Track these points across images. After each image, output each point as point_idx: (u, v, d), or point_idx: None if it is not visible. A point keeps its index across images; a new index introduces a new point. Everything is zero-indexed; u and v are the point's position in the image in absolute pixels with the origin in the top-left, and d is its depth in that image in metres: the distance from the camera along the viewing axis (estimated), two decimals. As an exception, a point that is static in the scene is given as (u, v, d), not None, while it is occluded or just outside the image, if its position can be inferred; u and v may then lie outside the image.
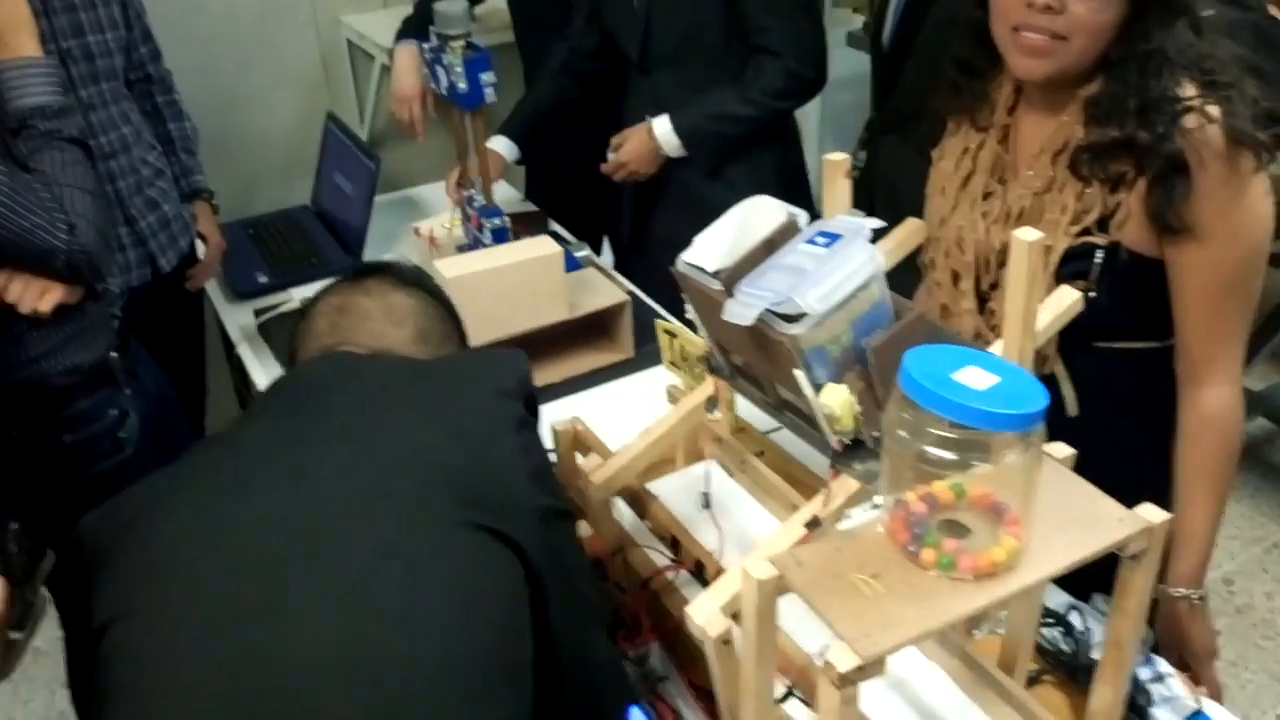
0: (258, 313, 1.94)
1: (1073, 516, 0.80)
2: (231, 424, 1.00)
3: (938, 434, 0.74)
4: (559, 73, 2.14)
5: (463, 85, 1.61)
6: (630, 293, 1.77)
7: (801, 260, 0.92)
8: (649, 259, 2.12)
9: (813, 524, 0.99)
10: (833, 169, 1.13)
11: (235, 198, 2.17)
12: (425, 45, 1.68)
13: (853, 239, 0.91)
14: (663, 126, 1.94)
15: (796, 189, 2.16)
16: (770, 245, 0.97)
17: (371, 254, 2.15)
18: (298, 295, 1.98)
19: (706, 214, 2.00)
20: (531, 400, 0.99)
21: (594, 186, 2.35)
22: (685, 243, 2.04)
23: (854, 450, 0.99)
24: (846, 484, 0.99)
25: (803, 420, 1.03)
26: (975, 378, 0.75)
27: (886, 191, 1.85)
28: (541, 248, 1.61)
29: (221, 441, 0.96)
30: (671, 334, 1.33)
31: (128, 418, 1.53)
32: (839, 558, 0.80)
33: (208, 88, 2.15)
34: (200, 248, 2.03)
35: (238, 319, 1.99)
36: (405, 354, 1.03)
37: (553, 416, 1.59)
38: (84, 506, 0.92)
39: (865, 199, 1.95)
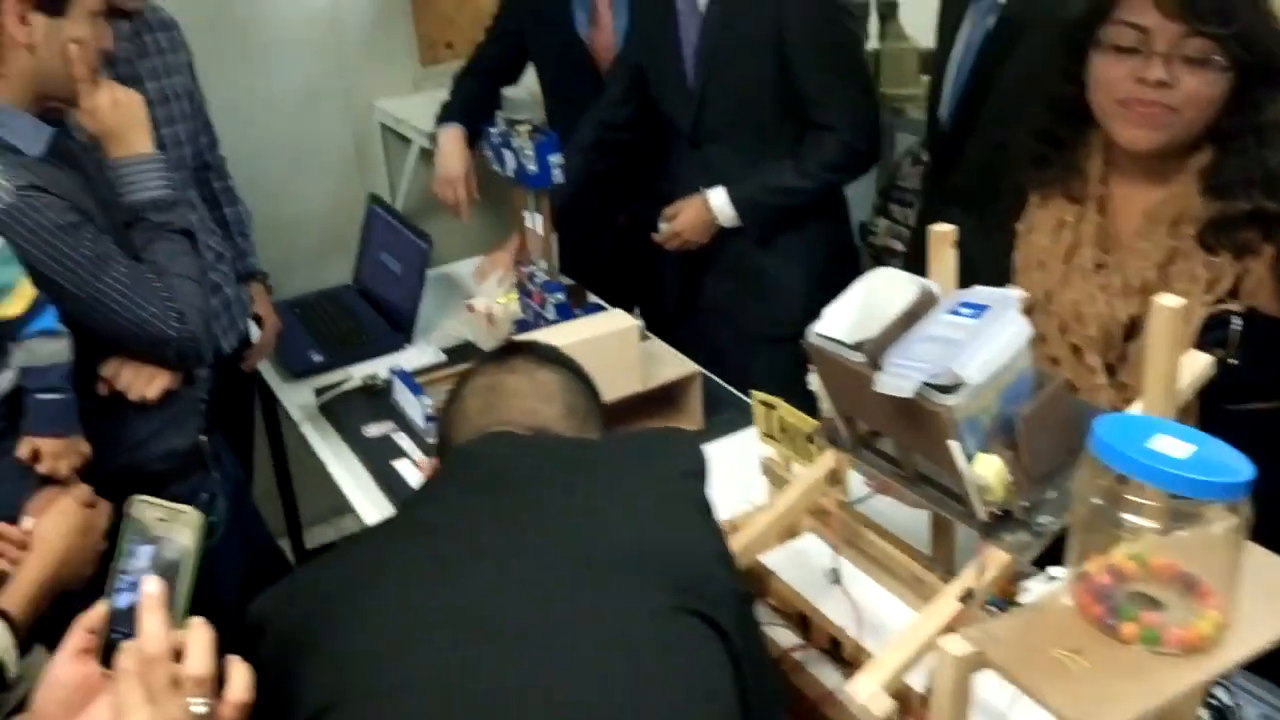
0: (318, 391, 1.90)
1: (1269, 587, 0.77)
2: (408, 506, 0.98)
3: (1142, 503, 0.71)
4: (590, 147, 2.14)
5: (533, 167, 1.61)
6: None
7: (950, 331, 0.90)
8: (696, 328, 2.11)
9: (966, 597, 0.96)
10: (939, 240, 1.12)
11: (273, 279, 2.15)
12: (492, 130, 1.68)
13: (1002, 309, 0.89)
14: (719, 198, 1.94)
15: (846, 259, 2.16)
16: (911, 317, 0.95)
17: (421, 331, 2.12)
18: (356, 373, 1.95)
19: (757, 283, 2.03)
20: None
21: (628, 257, 2.35)
22: (735, 311, 2.05)
23: (1003, 522, 0.97)
24: (997, 556, 0.96)
25: (942, 493, 1.00)
26: (1172, 446, 0.73)
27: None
28: (616, 321, 1.59)
29: (410, 524, 0.93)
30: (770, 406, 1.30)
31: (216, 500, 1.52)
32: (1032, 632, 0.77)
33: (247, 172, 2.14)
34: (253, 329, 2.00)
35: (296, 398, 1.95)
36: (557, 431, 1.01)
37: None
38: None
39: (919, 269, 1.94)
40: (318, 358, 2.06)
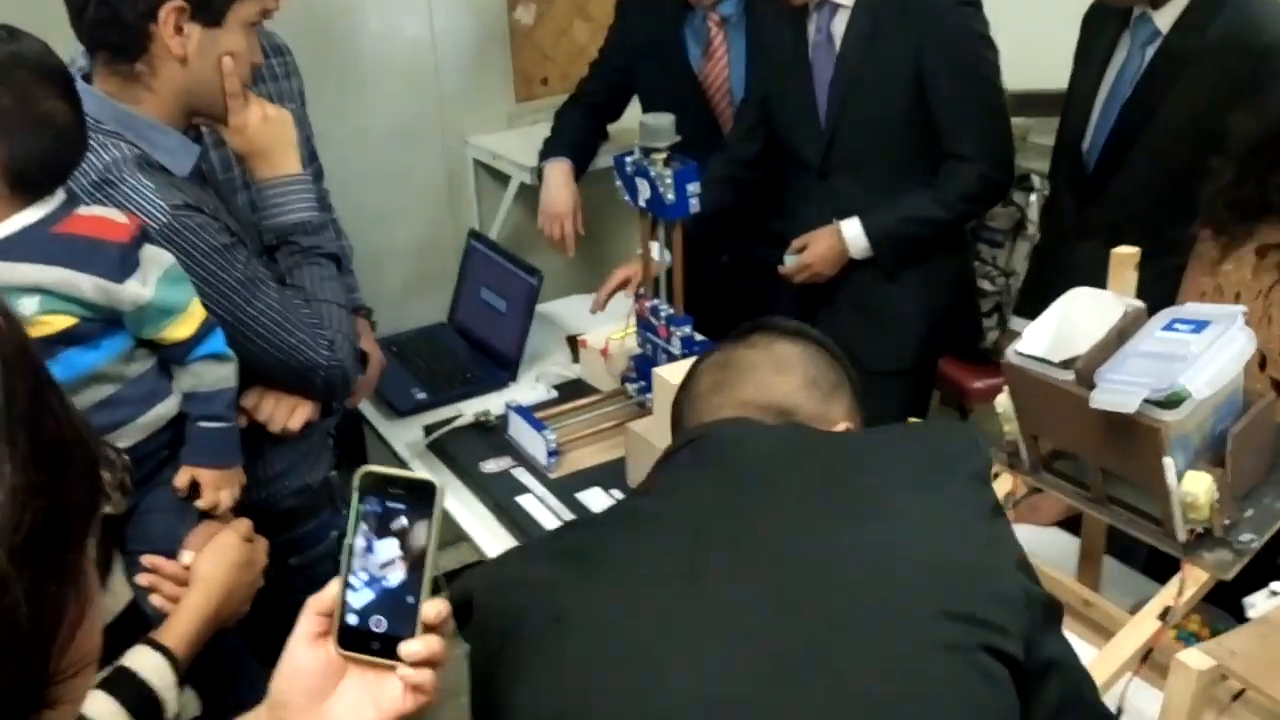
0: (428, 429, 1.97)
1: None
2: (638, 495, 0.95)
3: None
4: (719, 182, 2.20)
5: (671, 196, 1.68)
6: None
7: (1168, 347, 0.94)
8: None
9: (1164, 615, 1.00)
10: (1122, 261, 1.18)
11: (366, 315, 2.24)
12: (626, 159, 1.76)
13: (1226, 324, 0.94)
14: (853, 229, 2.00)
15: (967, 293, 2.22)
16: (1121, 334, 1.00)
17: (525, 368, 2.19)
18: (466, 410, 2.02)
19: (878, 316, 2.08)
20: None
21: (733, 295, 2.41)
22: (852, 344, 2.08)
23: (1203, 540, 1.00)
24: (1197, 574, 0.99)
25: (1133, 513, 1.04)
26: None
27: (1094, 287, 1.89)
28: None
29: (640, 516, 0.91)
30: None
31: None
32: (1271, 645, 0.81)
33: (337, 205, 2.24)
34: (355, 365, 2.08)
35: (403, 436, 2.02)
36: (795, 403, 0.98)
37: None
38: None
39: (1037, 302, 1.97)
40: (422, 395, 2.13)
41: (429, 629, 0.73)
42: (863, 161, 2.04)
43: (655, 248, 2.13)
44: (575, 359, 2.19)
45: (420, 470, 1.90)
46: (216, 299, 1.35)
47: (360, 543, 0.75)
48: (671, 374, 1.57)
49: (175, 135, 1.38)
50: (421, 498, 0.75)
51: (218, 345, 1.29)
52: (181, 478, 1.29)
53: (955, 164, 1.94)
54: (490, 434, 1.94)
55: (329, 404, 1.53)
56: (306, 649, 0.75)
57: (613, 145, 2.59)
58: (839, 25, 1.99)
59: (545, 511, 1.69)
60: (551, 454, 1.78)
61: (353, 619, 0.76)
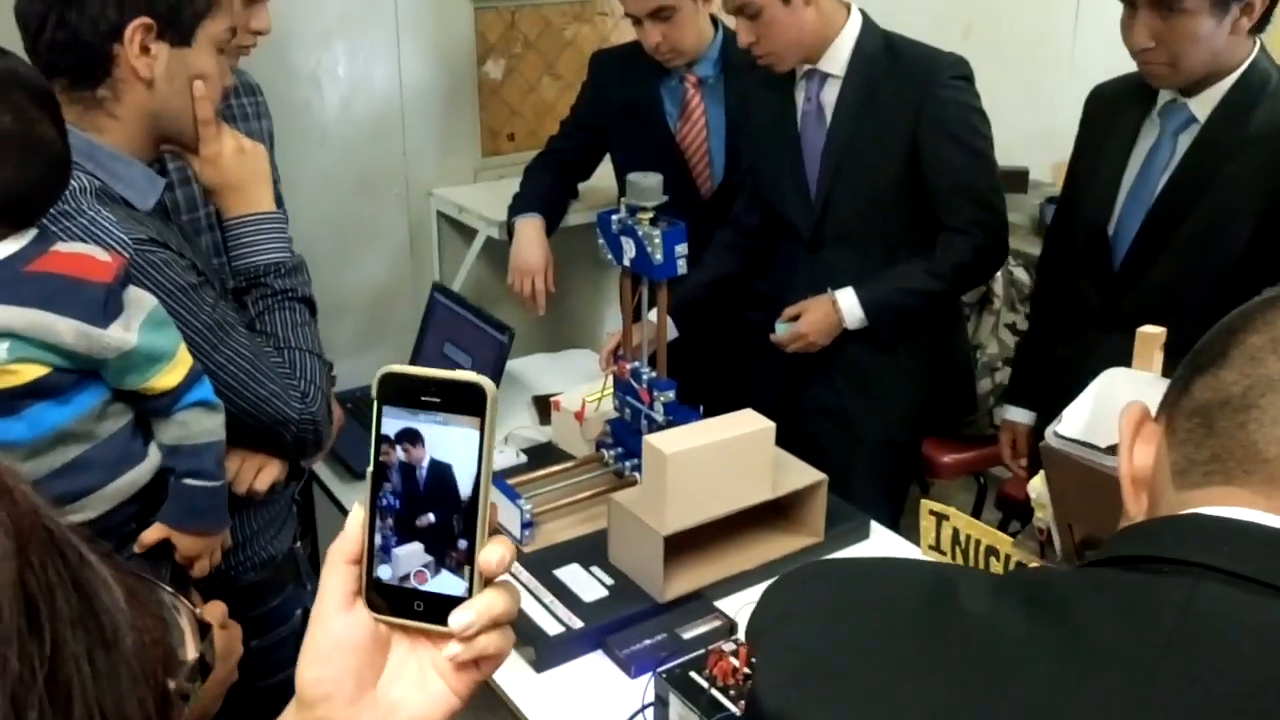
0: (389, 493, 1.84)
1: None
2: (979, 607, 0.61)
3: None
4: (729, 249, 2.17)
5: (659, 257, 1.61)
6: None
7: (1228, 434, 0.89)
8: (793, 430, 2.08)
9: None
10: (1147, 342, 1.13)
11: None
12: (612, 217, 1.69)
13: None
14: (848, 299, 1.96)
15: (964, 367, 2.19)
16: (1171, 419, 0.94)
17: (491, 431, 2.09)
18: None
19: (873, 388, 2.03)
20: None
21: (718, 360, 2.35)
22: (843, 414, 2.04)
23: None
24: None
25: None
26: None
27: None
28: (748, 422, 1.57)
29: (996, 645, 0.59)
30: (941, 516, 1.28)
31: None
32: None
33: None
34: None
35: (358, 499, 1.89)
36: None
37: (748, 608, 1.52)
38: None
39: (1060, 394, 1.92)
40: (382, 456, 2.01)
41: (487, 582, 0.58)
42: (854, 233, 2.00)
43: (656, 314, 2.07)
44: (544, 421, 2.09)
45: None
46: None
47: (390, 471, 0.59)
48: (664, 442, 1.49)
49: (139, 167, 1.28)
50: (466, 404, 0.58)
51: (206, 392, 1.18)
52: (151, 534, 1.15)
53: (950, 236, 1.92)
54: (457, 501, 1.82)
55: (297, 465, 1.41)
56: (343, 615, 0.58)
57: (582, 204, 2.53)
58: (830, 94, 1.96)
59: (520, 590, 1.57)
60: (526, 525, 1.67)
61: (385, 571, 0.59)
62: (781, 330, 2.01)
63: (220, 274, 1.72)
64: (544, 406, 2.08)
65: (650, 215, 1.65)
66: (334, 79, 2.53)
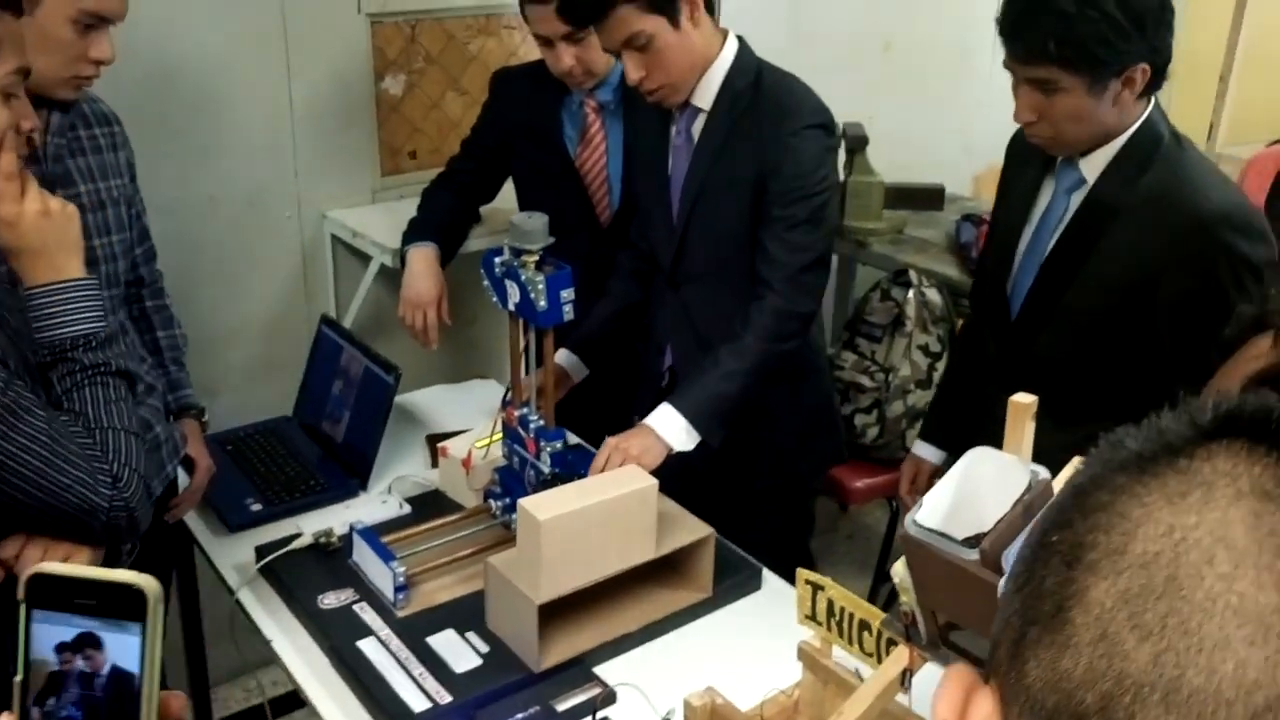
0: (260, 551, 1.77)
1: None
2: None
3: None
4: (631, 275, 2.12)
5: (543, 303, 1.56)
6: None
7: (1084, 530, 0.86)
8: (670, 470, 2.03)
9: None
10: (1020, 412, 1.10)
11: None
12: (495, 259, 1.63)
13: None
14: (665, 417, 1.80)
15: (828, 414, 2.16)
16: (1027, 509, 0.91)
17: (378, 473, 2.03)
18: (306, 527, 1.83)
19: (746, 439, 1.97)
20: None
21: (598, 397, 2.29)
22: (727, 465, 1.98)
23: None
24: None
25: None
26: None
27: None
28: (633, 479, 1.53)
29: None
30: (817, 586, 1.25)
31: None
32: None
33: (176, 282, 2.05)
34: (180, 473, 1.88)
35: (232, 557, 1.82)
36: None
37: (631, 672, 1.48)
38: None
39: (962, 445, 1.90)
40: (257, 507, 1.94)
41: None
42: (708, 274, 1.95)
43: (562, 354, 2.02)
44: (435, 464, 2.03)
45: (249, 601, 1.72)
46: None
47: (57, 681, 0.55)
48: (538, 507, 1.44)
49: None
50: (126, 608, 0.54)
51: None
52: None
53: (758, 301, 1.83)
54: (332, 559, 1.75)
55: (115, 550, 1.34)
56: None
57: (485, 229, 2.48)
58: (698, 128, 1.91)
59: (388, 659, 1.51)
60: (400, 589, 1.61)
61: None
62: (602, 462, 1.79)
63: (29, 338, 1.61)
64: (437, 448, 2.02)
65: (535, 258, 1.61)
66: (216, 94, 2.43)
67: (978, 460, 0.99)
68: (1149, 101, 1.61)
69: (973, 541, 0.91)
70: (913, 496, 2.05)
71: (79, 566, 0.55)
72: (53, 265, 1.25)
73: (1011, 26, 1.55)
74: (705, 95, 1.87)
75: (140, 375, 1.75)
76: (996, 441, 1.77)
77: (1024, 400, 1.09)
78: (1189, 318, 1.57)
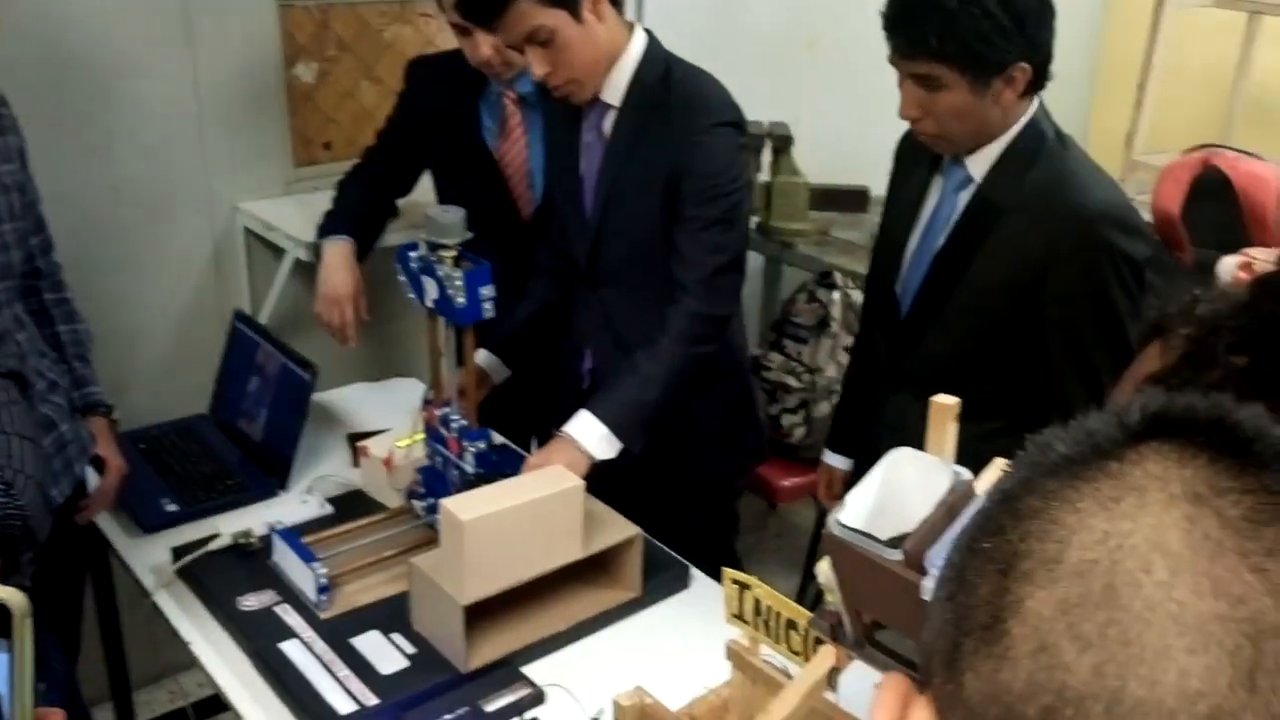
0: (176, 552, 1.73)
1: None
2: None
3: None
4: (551, 273, 2.09)
5: (461, 299, 1.55)
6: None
7: (1002, 531, 0.89)
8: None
9: None
10: (942, 413, 1.13)
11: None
12: (411, 254, 1.61)
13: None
14: (584, 424, 1.77)
15: (748, 415, 2.16)
16: (949, 510, 0.94)
17: (298, 472, 2.00)
18: (224, 528, 1.79)
19: (668, 438, 1.96)
20: None
21: (522, 388, 2.29)
22: (650, 463, 1.97)
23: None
24: None
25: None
26: None
27: (903, 444, 1.81)
28: (558, 480, 1.53)
29: None
30: (744, 585, 1.27)
31: None
32: None
33: (81, 275, 1.98)
34: (90, 474, 1.83)
35: (147, 558, 1.78)
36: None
37: (559, 672, 1.49)
38: None
39: (865, 448, 1.93)
40: (173, 507, 1.89)
41: None
42: (625, 274, 1.93)
43: (483, 355, 1.98)
44: (357, 463, 2.01)
45: (167, 604, 1.68)
46: None
47: None
48: (461, 508, 1.43)
49: None
50: None
51: None
52: None
53: (674, 305, 1.82)
54: (251, 560, 1.72)
55: (16, 559, 1.30)
56: None
57: (402, 222, 2.44)
58: (609, 125, 1.88)
59: (312, 661, 1.49)
60: (322, 590, 1.59)
61: None
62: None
63: None
64: (358, 447, 1.99)
65: (454, 254, 1.59)
66: (117, 80, 2.35)
67: (900, 461, 1.02)
68: (1032, 101, 1.64)
69: (896, 542, 0.93)
70: (831, 502, 2.08)
71: None
72: None
73: (894, 21, 1.57)
74: (614, 91, 1.84)
75: (42, 372, 1.70)
76: (892, 441, 1.81)
77: (946, 401, 1.11)
78: (1073, 313, 1.63)
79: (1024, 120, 1.63)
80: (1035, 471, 0.47)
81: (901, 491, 0.99)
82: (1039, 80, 1.60)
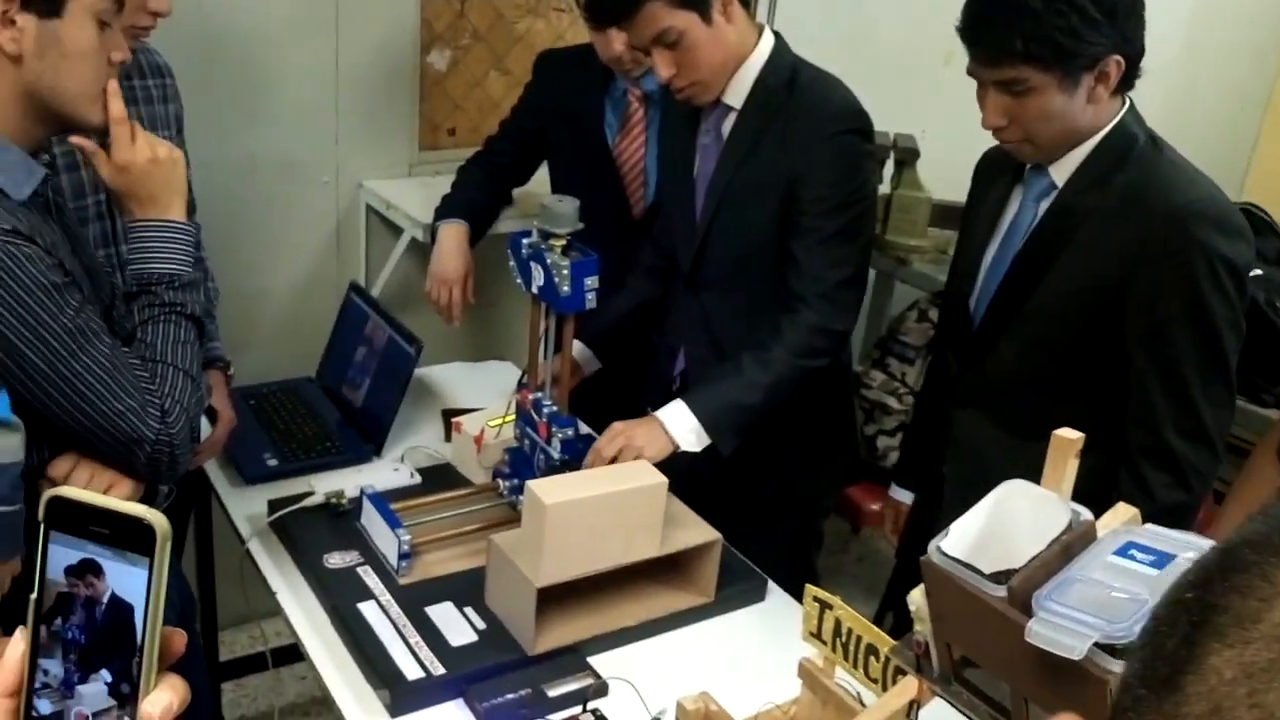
0: (272, 505, 1.71)
1: None
2: None
3: None
4: (650, 272, 2.02)
5: (566, 288, 1.48)
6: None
7: (1122, 580, 0.78)
8: (674, 467, 1.94)
9: None
10: (1062, 448, 1.01)
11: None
12: (523, 240, 1.56)
13: (1192, 558, 0.78)
14: (677, 414, 1.68)
15: (847, 432, 2.05)
16: (1067, 550, 0.83)
17: (392, 441, 1.96)
18: (319, 486, 1.76)
19: (759, 450, 1.86)
20: None
21: (612, 392, 2.21)
22: (734, 476, 1.86)
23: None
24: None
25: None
26: None
27: (969, 464, 1.68)
28: (641, 474, 1.45)
29: None
30: (825, 604, 1.17)
31: None
32: None
33: (212, 238, 1.99)
34: (204, 423, 1.82)
35: (245, 508, 1.76)
36: None
37: (625, 666, 1.41)
38: None
39: (929, 468, 1.82)
40: (273, 462, 1.87)
41: None
42: (729, 278, 1.82)
43: (576, 346, 1.92)
44: (449, 438, 1.96)
45: (259, 552, 1.65)
46: (36, 345, 1.14)
47: (53, 600, 0.54)
48: (546, 491, 1.36)
49: (15, 153, 1.18)
50: (136, 540, 0.53)
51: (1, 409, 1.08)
52: None
53: (789, 314, 1.71)
54: (340, 520, 1.69)
55: (154, 486, 1.31)
56: None
57: (516, 211, 2.39)
58: (728, 127, 1.78)
59: (386, 624, 1.44)
60: (404, 556, 1.54)
61: (44, 706, 0.55)
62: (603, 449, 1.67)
63: (110, 265, 1.59)
64: (452, 423, 1.95)
65: (563, 243, 1.53)
66: (264, 57, 2.36)
67: (1012, 493, 0.91)
68: (1123, 102, 1.49)
69: (1001, 577, 0.83)
70: (896, 537, 1.96)
71: (96, 495, 0.54)
72: (156, 206, 1.28)
73: (974, 29, 1.45)
74: (737, 93, 1.74)
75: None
76: (957, 460, 1.69)
77: (1068, 435, 0.99)
78: (1160, 319, 1.45)
79: (1114, 121, 1.48)
80: (1267, 524, 0.40)
81: (1011, 524, 0.88)
82: (1131, 73, 1.45)
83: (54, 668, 0.55)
